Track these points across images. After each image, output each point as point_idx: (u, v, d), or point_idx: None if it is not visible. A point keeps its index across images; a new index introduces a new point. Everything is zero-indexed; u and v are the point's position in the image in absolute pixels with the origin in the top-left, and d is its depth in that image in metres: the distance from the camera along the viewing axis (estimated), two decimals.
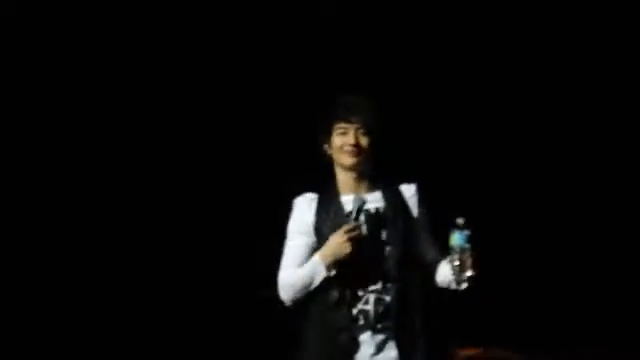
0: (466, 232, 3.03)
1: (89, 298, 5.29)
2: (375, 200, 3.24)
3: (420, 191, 3.31)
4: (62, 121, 5.37)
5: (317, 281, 3.15)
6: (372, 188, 3.26)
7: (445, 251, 3.12)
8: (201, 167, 5.40)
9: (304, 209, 3.27)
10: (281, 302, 3.26)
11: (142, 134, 5.43)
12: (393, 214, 3.21)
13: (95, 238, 5.34)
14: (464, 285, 3.06)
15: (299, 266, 3.21)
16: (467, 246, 3.03)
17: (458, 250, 3.03)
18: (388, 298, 3.14)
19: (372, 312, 3.13)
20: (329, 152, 3.30)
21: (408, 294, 3.17)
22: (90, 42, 5.37)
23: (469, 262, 3.03)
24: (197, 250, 5.35)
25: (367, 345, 3.13)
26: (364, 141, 3.23)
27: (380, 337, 3.14)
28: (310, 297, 3.20)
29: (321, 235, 3.20)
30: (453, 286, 3.10)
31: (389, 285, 3.15)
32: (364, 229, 3.17)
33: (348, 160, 3.22)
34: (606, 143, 5.51)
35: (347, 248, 3.08)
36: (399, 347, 3.14)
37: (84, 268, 5.33)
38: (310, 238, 3.23)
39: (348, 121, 3.23)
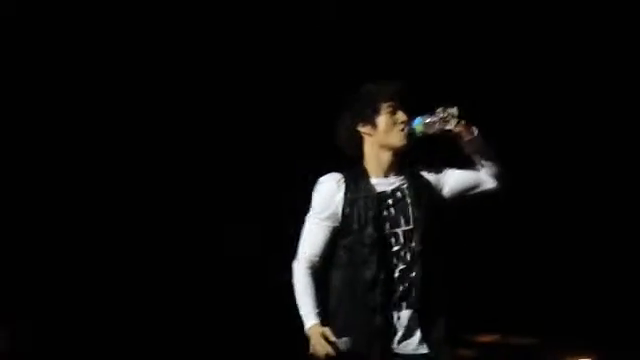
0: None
1: (98, 297, 5.29)
2: (400, 181, 3.27)
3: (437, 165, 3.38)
4: (60, 120, 5.36)
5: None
6: (398, 171, 3.29)
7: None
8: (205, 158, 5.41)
9: (332, 189, 3.24)
10: None
11: (143, 133, 5.43)
12: (416, 195, 3.24)
13: (102, 237, 5.33)
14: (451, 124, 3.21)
15: (316, 253, 3.23)
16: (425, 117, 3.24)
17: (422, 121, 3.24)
18: (413, 278, 3.18)
19: (399, 291, 3.17)
20: (366, 133, 3.27)
21: (432, 275, 3.21)
22: (90, 42, 5.38)
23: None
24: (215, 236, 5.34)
25: (396, 324, 3.17)
26: None
27: (405, 316, 3.17)
28: (336, 273, 3.23)
29: (348, 218, 3.20)
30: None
31: (413, 266, 3.18)
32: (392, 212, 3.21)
33: (401, 140, 3.24)
34: (601, 139, 5.55)
35: (318, 352, 3.11)
36: (421, 327, 3.18)
37: (91, 267, 5.32)
38: (333, 222, 3.23)
39: (398, 100, 3.26)
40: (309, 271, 3.21)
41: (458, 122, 3.21)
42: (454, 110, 3.22)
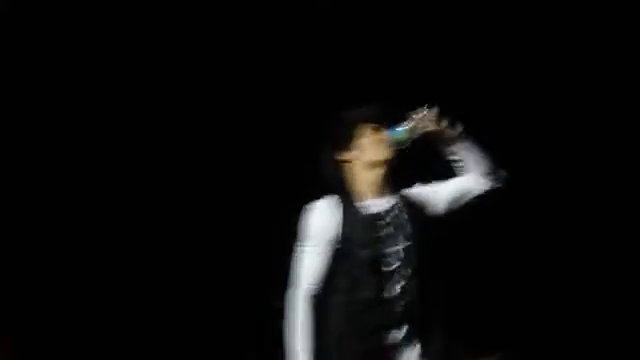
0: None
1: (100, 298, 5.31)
2: (395, 200, 3.29)
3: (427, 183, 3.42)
4: (56, 118, 5.34)
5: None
6: (390, 190, 3.31)
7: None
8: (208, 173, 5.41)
9: (329, 212, 3.22)
10: None
11: (142, 135, 5.42)
12: (410, 211, 3.28)
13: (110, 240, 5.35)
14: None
15: (315, 281, 3.20)
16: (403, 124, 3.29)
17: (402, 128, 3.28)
18: (411, 293, 3.22)
19: (400, 308, 3.20)
20: (352, 159, 3.29)
21: (428, 293, 3.25)
22: (85, 38, 5.33)
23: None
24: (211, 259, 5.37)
25: (396, 342, 3.20)
26: None
27: (404, 333, 3.21)
28: (334, 298, 3.22)
29: (349, 240, 3.20)
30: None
31: (412, 282, 3.22)
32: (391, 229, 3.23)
33: (388, 153, 3.26)
34: (597, 139, 5.55)
35: None
36: (421, 342, 3.23)
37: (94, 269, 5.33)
38: (331, 247, 3.21)
39: (380, 121, 3.30)
40: (308, 302, 3.18)
41: (438, 122, 3.25)
42: (433, 110, 3.26)
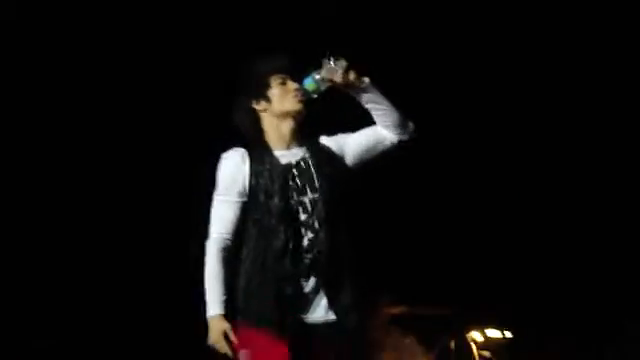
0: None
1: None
2: (304, 152, 3.28)
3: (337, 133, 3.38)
4: (59, 123, 5.42)
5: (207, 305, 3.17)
6: (300, 142, 3.30)
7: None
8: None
9: (237, 163, 3.23)
10: None
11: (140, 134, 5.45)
12: (319, 164, 3.26)
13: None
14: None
15: (227, 230, 3.21)
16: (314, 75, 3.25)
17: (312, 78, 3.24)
18: (322, 246, 3.18)
19: (309, 260, 3.17)
20: (261, 109, 3.29)
21: (337, 243, 3.20)
22: (88, 46, 5.42)
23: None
24: None
25: (305, 292, 3.17)
26: None
27: (314, 284, 3.18)
28: (247, 248, 3.21)
29: (254, 191, 3.21)
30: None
31: (321, 234, 3.18)
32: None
33: (296, 105, 3.26)
34: (592, 136, 5.45)
35: (220, 347, 3.14)
36: (329, 294, 3.18)
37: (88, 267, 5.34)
38: (241, 197, 3.22)
39: (286, 72, 3.29)
40: (222, 252, 3.20)
41: (347, 72, 3.19)
42: (341, 62, 3.20)
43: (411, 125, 3.31)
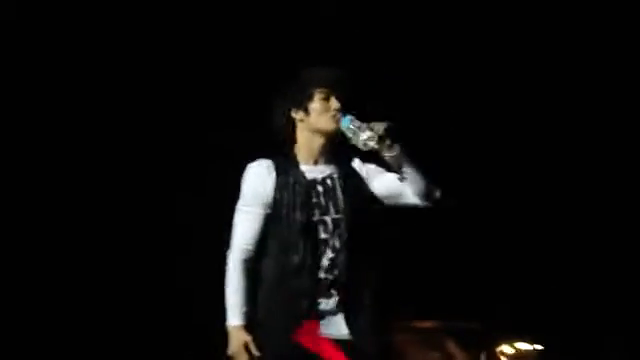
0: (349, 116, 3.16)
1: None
2: (331, 170, 3.27)
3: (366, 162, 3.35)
4: (58, 124, 5.42)
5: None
6: (329, 160, 3.29)
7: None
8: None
9: (263, 174, 3.23)
10: None
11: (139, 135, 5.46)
12: (346, 185, 3.26)
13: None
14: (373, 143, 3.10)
15: (249, 242, 3.21)
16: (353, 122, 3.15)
17: (349, 124, 3.15)
18: (340, 266, 3.18)
19: (327, 279, 3.17)
20: (299, 119, 3.26)
21: (358, 265, 3.21)
22: (88, 46, 5.42)
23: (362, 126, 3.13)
24: None
25: (321, 310, 3.17)
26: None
27: (332, 303, 3.17)
28: (267, 261, 3.23)
29: (278, 204, 3.21)
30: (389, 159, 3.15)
31: (341, 255, 3.19)
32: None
33: (331, 125, 3.22)
34: (590, 134, 5.46)
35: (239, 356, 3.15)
36: (346, 314, 3.18)
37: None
38: (264, 209, 3.22)
39: (331, 87, 3.24)
40: (243, 263, 3.20)
41: (379, 142, 3.10)
42: (380, 128, 3.11)
43: (437, 193, 3.25)
